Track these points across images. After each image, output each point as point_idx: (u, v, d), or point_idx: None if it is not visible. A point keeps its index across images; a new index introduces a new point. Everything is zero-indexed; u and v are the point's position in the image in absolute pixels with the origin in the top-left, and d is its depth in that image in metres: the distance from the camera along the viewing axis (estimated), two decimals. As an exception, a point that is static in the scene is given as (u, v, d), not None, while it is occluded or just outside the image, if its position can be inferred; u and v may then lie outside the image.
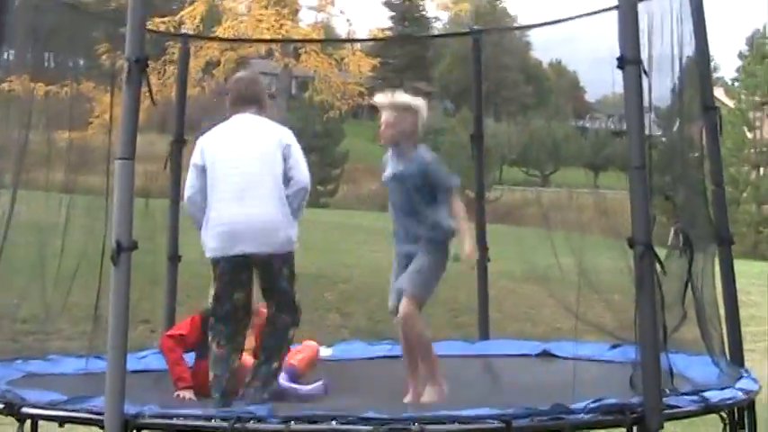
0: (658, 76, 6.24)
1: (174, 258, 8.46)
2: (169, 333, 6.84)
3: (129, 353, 5.16)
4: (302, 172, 6.21)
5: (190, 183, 6.21)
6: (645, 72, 5.35)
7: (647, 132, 5.52)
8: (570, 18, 8.19)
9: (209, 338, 6.15)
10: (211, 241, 6.07)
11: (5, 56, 7.17)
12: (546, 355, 8.06)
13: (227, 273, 6.07)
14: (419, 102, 6.55)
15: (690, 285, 6.07)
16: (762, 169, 44.89)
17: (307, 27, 16.33)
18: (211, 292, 6.21)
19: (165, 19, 16.03)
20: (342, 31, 20.33)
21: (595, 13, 7.62)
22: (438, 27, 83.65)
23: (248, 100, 6.40)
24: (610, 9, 6.12)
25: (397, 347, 8.01)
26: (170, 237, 8.41)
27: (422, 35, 79.60)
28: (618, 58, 5.24)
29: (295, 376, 6.80)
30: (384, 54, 19.81)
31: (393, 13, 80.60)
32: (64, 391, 5.59)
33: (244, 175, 6.04)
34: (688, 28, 6.69)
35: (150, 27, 13.62)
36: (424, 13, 78.42)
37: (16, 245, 6.83)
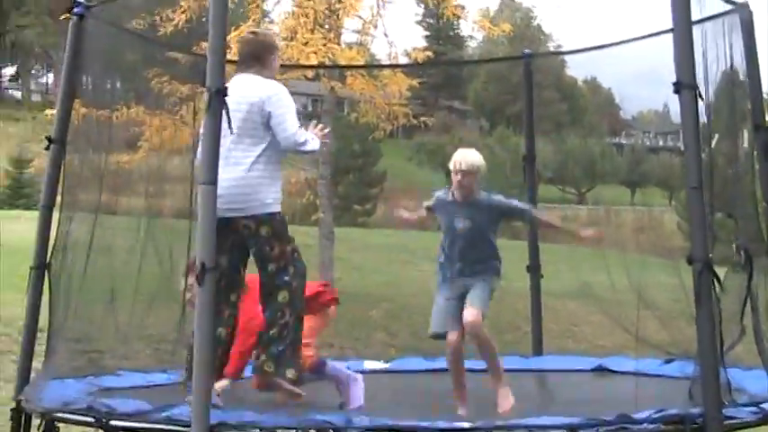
0: (709, 94, 6.43)
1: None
2: None
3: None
4: (284, 131, 6.06)
5: None
6: (700, 96, 5.53)
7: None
8: (620, 42, 8.35)
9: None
10: None
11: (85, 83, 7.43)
12: (602, 369, 8.24)
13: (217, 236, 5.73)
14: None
15: (749, 301, 6.24)
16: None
17: (352, 50, 16.52)
18: None
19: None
20: (382, 52, 20.58)
21: (648, 36, 7.79)
22: (472, 46, 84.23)
23: (247, 59, 6.31)
24: (664, 32, 6.25)
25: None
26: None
27: (474, 60, 79.79)
28: (674, 83, 5.44)
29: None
30: (421, 74, 20.14)
31: (427, 33, 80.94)
32: (140, 404, 5.82)
33: (226, 138, 5.72)
34: (738, 45, 6.88)
35: (197, 52, 14.00)
36: (458, 31, 78.77)
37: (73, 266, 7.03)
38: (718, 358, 5.39)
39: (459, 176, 6.86)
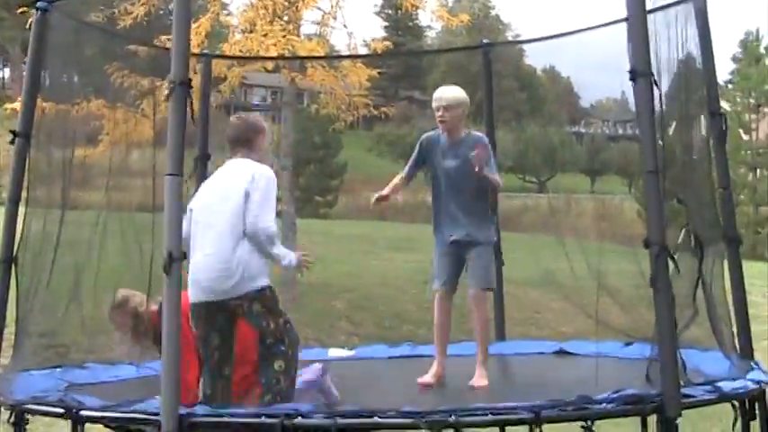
0: (665, 82, 6.55)
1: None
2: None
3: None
4: (254, 215, 5.97)
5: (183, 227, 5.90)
6: (656, 83, 5.66)
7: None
8: (578, 31, 8.46)
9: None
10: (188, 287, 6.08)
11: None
12: (562, 353, 8.38)
13: (199, 319, 6.09)
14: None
15: (700, 284, 6.38)
16: (758, 171, 45.28)
17: (312, 42, 16.57)
18: None
19: (171, 36, 16.19)
20: (342, 43, 20.69)
21: (604, 25, 7.90)
22: (431, 36, 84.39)
23: (235, 143, 6.38)
24: (619, 21, 6.36)
25: (417, 348, 8.49)
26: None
27: (433, 50, 79.90)
28: (629, 71, 5.55)
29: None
30: (380, 64, 20.18)
31: (386, 24, 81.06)
32: (109, 396, 5.92)
33: (207, 219, 6.02)
34: (692, 34, 7.01)
35: (157, 44, 14.00)
36: (417, 22, 78.90)
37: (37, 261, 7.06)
38: (676, 339, 5.52)
39: (440, 112, 6.99)
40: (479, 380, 6.96)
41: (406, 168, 7.37)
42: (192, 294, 6.03)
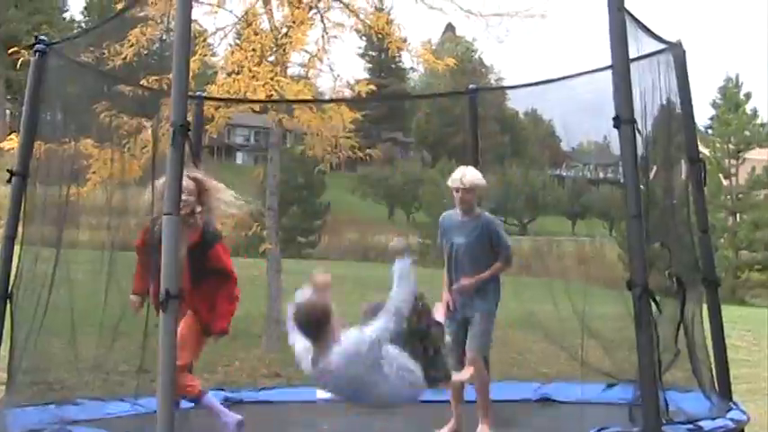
0: (646, 128, 6.75)
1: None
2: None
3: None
4: None
5: None
6: (638, 131, 5.84)
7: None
8: (564, 78, 8.64)
9: None
10: None
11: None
12: (546, 401, 8.54)
13: None
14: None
15: (682, 326, 6.54)
16: (738, 215, 45.69)
17: (299, 84, 16.71)
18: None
19: (158, 77, 16.32)
20: (326, 85, 20.86)
21: (588, 72, 8.08)
22: (414, 78, 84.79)
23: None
24: (604, 69, 6.53)
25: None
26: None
27: (422, 95, 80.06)
28: (614, 118, 5.74)
29: None
30: (364, 106, 20.35)
31: (370, 65, 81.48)
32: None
33: None
34: (672, 81, 7.21)
35: (144, 84, 14.17)
36: (400, 64, 79.30)
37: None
38: (657, 376, 5.67)
39: (460, 194, 7.26)
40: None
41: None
42: None
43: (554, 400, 8.48)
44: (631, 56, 6.01)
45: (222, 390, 9.00)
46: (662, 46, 7.28)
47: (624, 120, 5.70)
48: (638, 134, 5.82)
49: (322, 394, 8.87)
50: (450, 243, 7.60)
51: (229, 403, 8.23)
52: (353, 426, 7.61)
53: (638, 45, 6.74)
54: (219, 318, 7.02)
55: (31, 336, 6.89)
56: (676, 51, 7.31)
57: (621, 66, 5.77)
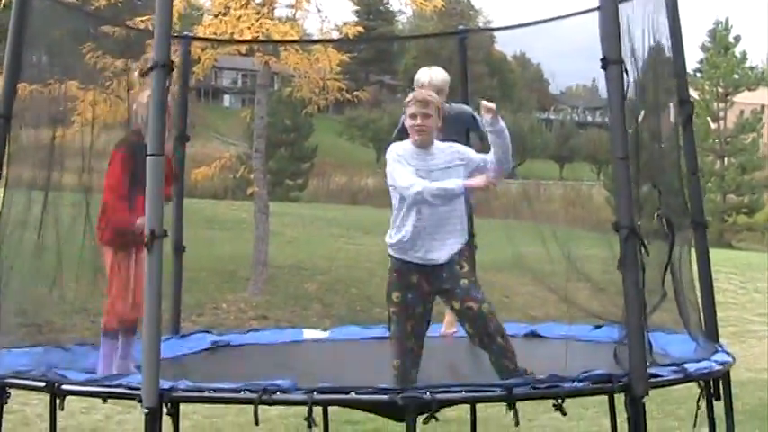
0: (635, 70, 6.69)
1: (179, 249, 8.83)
2: None
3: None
4: None
5: None
6: (626, 71, 5.78)
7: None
8: (552, 19, 8.56)
9: None
10: None
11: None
12: (534, 335, 8.53)
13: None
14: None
15: (669, 267, 6.54)
16: (726, 159, 45.79)
17: (286, 25, 16.62)
18: None
19: (144, 18, 16.22)
20: (314, 27, 20.79)
21: (577, 14, 8.01)
22: (402, 21, 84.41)
23: None
24: (591, 10, 6.46)
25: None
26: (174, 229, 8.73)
27: (410, 35, 79.75)
28: (601, 59, 5.68)
29: None
30: (351, 49, 20.15)
31: (357, 8, 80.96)
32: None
33: None
34: (662, 23, 7.14)
35: (130, 25, 14.03)
36: (388, 6, 78.93)
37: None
38: (643, 319, 5.68)
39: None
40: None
41: None
42: None
43: (541, 335, 8.48)
44: (620, -4, 5.94)
45: (209, 332, 8.97)
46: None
47: (611, 60, 5.62)
48: (626, 76, 5.76)
49: (310, 334, 8.93)
50: None
51: (216, 346, 8.24)
52: (341, 364, 7.60)
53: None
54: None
55: (15, 278, 6.85)
56: (667, -8, 7.23)
57: (609, 5, 5.70)
